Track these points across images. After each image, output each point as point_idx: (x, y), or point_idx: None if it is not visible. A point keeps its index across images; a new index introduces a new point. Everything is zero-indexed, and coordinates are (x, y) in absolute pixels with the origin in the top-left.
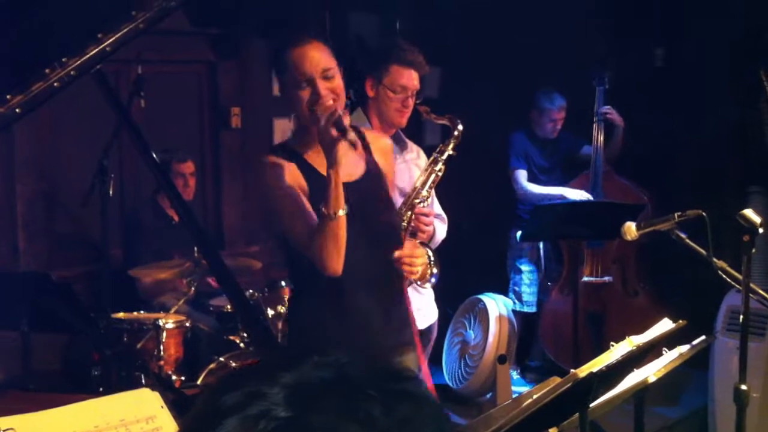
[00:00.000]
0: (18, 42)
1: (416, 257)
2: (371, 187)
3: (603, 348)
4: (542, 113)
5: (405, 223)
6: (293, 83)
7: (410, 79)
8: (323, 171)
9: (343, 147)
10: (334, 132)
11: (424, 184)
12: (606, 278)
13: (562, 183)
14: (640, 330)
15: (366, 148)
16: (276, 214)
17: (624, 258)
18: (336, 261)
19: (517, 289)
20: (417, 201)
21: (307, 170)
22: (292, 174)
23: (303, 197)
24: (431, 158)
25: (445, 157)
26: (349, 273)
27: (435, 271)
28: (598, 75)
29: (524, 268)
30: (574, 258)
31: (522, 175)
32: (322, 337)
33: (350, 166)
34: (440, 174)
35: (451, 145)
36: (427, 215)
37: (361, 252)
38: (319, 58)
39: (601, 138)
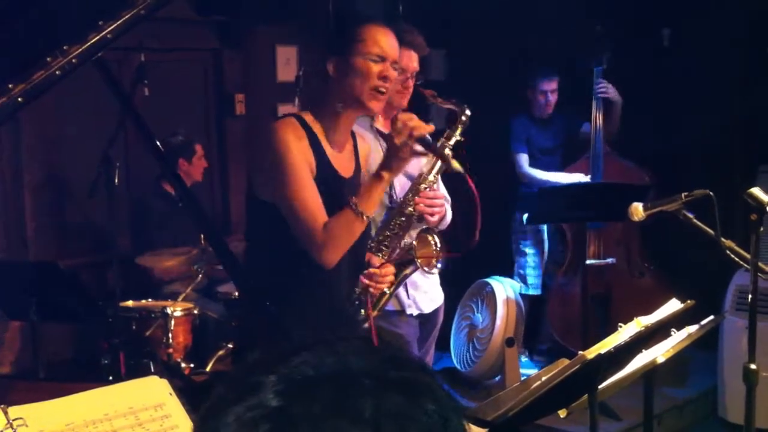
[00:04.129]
0: (22, 32)
1: (385, 275)
2: (358, 185)
3: (610, 330)
4: (533, 90)
5: (411, 209)
6: (365, 54)
7: (409, 60)
8: (330, 158)
9: (348, 148)
10: (418, 147)
11: (431, 170)
12: (609, 260)
13: (564, 164)
14: (646, 311)
15: (355, 147)
16: (285, 185)
17: (628, 239)
18: (338, 255)
19: (521, 272)
20: (424, 186)
21: (317, 150)
22: (305, 145)
23: (310, 174)
24: (438, 143)
25: (452, 142)
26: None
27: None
28: (596, 55)
29: (528, 251)
30: (578, 240)
31: (524, 158)
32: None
33: (347, 161)
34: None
35: (458, 131)
36: (437, 198)
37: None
38: (396, 46)
39: (600, 119)
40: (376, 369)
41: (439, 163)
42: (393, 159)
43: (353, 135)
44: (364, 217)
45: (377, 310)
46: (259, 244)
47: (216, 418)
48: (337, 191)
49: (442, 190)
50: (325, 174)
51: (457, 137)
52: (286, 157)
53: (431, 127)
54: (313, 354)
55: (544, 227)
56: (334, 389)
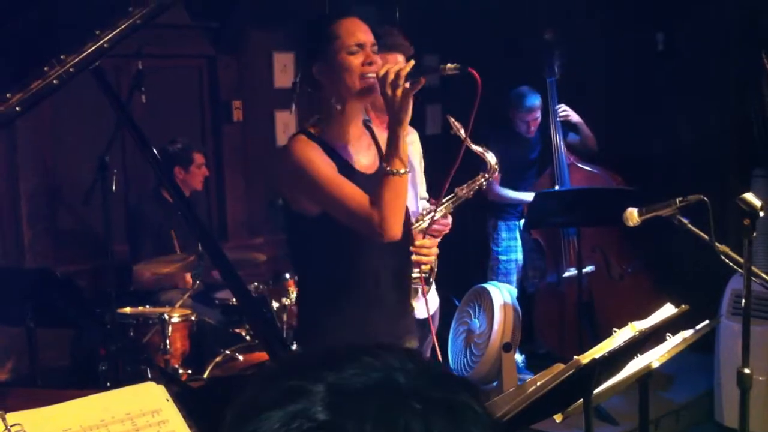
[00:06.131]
0: (19, 38)
1: (430, 247)
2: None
3: (598, 336)
4: (514, 115)
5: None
6: (343, 49)
7: (396, 63)
8: (349, 161)
9: (365, 141)
10: (407, 84)
11: (445, 213)
12: (588, 268)
13: (539, 173)
14: (631, 314)
15: (376, 142)
16: (320, 188)
17: (603, 245)
18: (399, 222)
19: (493, 277)
20: (431, 220)
21: (334, 157)
22: (321, 153)
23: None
24: (465, 186)
25: (476, 186)
26: (367, 263)
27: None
28: (548, 66)
29: (502, 257)
30: (554, 250)
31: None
32: (333, 327)
33: (370, 158)
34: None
35: (482, 180)
36: (446, 225)
37: (378, 243)
38: (368, 30)
39: (558, 134)
40: (422, 388)
41: (458, 202)
42: (394, 108)
43: (369, 128)
44: (401, 173)
45: (429, 286)
46: (313, 262)
47: (255, 419)
48: (366, 190)
49: (423, 193)
50: (349, 177)
51: (482, 185)
52: (310, 165)
53: (411, 62)
54: (359, 364)
55: (518, 235)
56: (383, 406)
